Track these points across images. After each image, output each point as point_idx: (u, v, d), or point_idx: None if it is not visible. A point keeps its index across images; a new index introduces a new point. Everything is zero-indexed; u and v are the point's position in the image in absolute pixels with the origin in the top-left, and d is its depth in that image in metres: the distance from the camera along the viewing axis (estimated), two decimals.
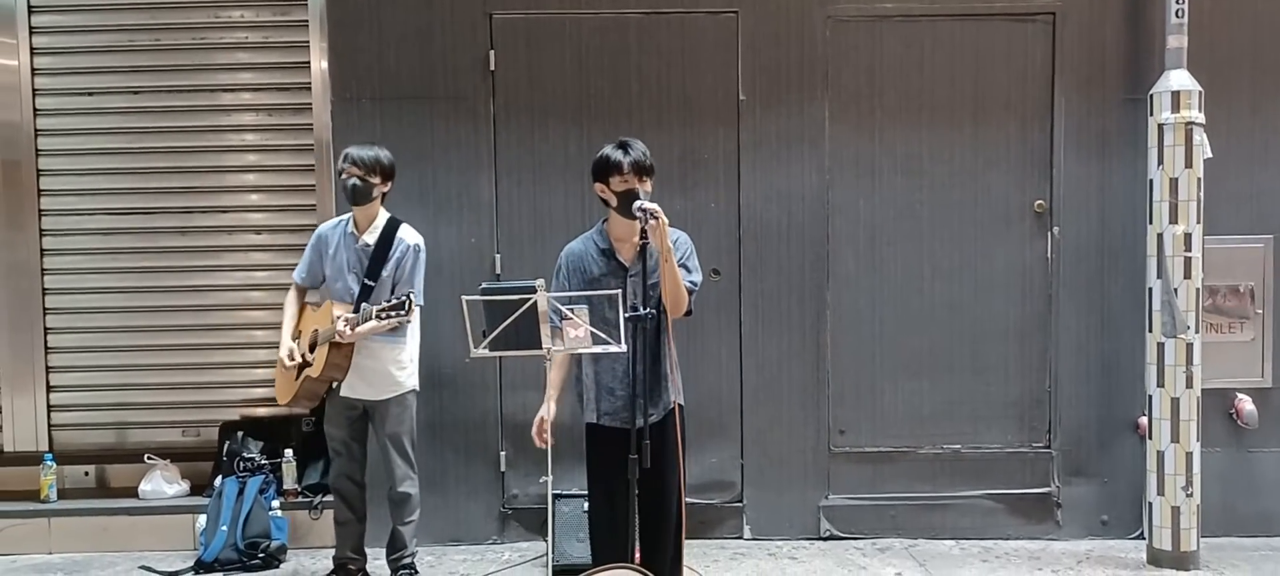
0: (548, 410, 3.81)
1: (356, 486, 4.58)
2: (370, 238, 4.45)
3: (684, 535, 3.91)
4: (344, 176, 4.41)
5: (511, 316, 3.62)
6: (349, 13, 5.23)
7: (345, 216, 4.55)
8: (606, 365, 3.79)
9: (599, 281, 3.78)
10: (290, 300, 4.64)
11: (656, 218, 3.48)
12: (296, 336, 4.55)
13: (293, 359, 4.45)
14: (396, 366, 4.48)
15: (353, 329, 4.23)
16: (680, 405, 3.81)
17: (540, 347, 3.65)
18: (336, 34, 5.26)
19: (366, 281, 4.41)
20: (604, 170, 3.71)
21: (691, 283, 3.70)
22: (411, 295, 4.24)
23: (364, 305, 4.31)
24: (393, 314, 4.17)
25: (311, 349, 4.43)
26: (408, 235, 4.48)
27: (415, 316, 4.39)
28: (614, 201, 3.69)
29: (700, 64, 5.24)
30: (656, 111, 5.22)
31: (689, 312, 3.76)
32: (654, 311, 3.59)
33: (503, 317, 3.64)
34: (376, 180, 4.42)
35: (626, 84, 5.24)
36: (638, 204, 3.52)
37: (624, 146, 3.72)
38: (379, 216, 4.50)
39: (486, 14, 5.21)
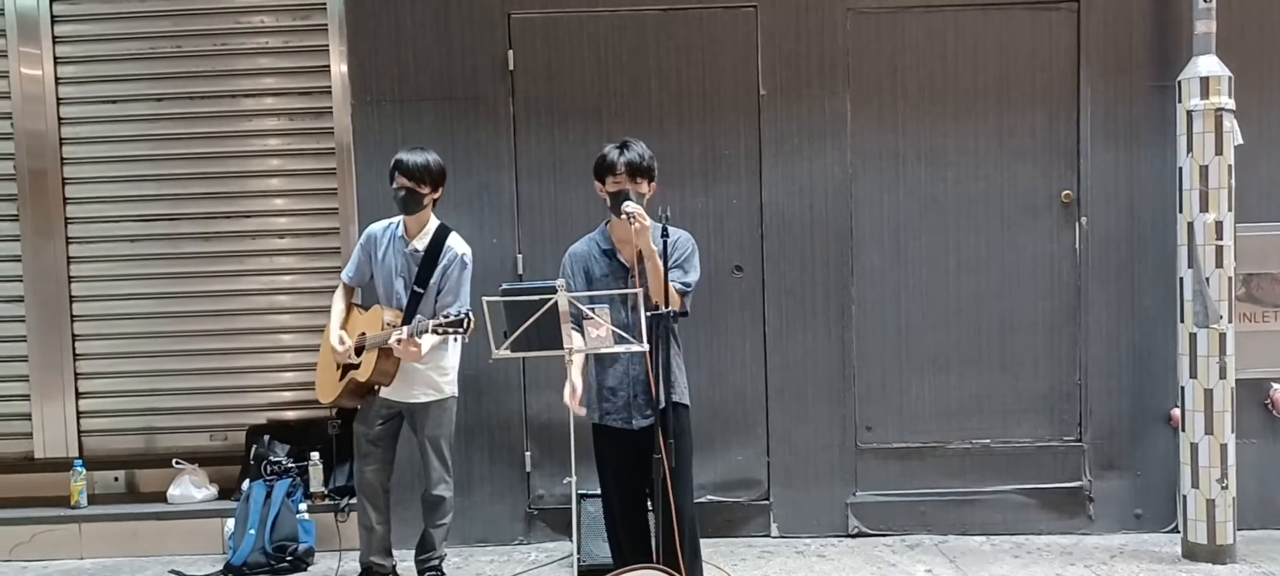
0: (575, 377, 3.73)
1: (380, 489, 4.56)
2: (420, 244, 4.43)
3: (698, 532, 3.92)
4: (393, 184, 4.38)
5: (532, 317, 3.63)
6: (368, 16, 5.24)
7: (396, 219, 4.51)
8: (608, 366, 3.81)
9: (601, 282, 3.80)
10: (338, 297, 4.61)
11: (635, 220, 3.50)
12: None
13: (343, 343, 4.42)
14: (439, 372, 4.47)
15: (412, 342, 4.10)
16: (684, 405, 3.81)
17: (561, 348, 3.66)
18: (356, 37, 5.27)
19: (416, 288, 4.39)
20: (599, 170, 3.80)
21: (683, 284, 3.73)
22: (469, 313, 4.11)
23: (418, 316, 4.26)
24: (451, 330, 4.05)
25: (358, 352, 4.41)
26: (456, 244, 4.45)
27: None
28: (608, 201, 3.73)
29: (720, 59, 5.21)
30: (676, 108, 5.20)
31: (684, 313, 3.78)
32: (673, 311, 3.59)
33: (524, 318, 3.64)
34: (426, 189, 4.37)
35: (646, 81, 5.22)
36: (624, 205, 3.56)
37: (622, 147, 3.77)
38: (429, 223, 4.47)
39: (505, 14, 5.21)
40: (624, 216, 3.56)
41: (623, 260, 3.75)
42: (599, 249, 3.83)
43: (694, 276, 3.80)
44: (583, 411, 3.85)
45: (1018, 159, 5.21)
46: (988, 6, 5.18)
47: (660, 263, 3.59)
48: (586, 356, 3.87)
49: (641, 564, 3.61)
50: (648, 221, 3.54)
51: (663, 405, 3.62)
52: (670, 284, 3.66)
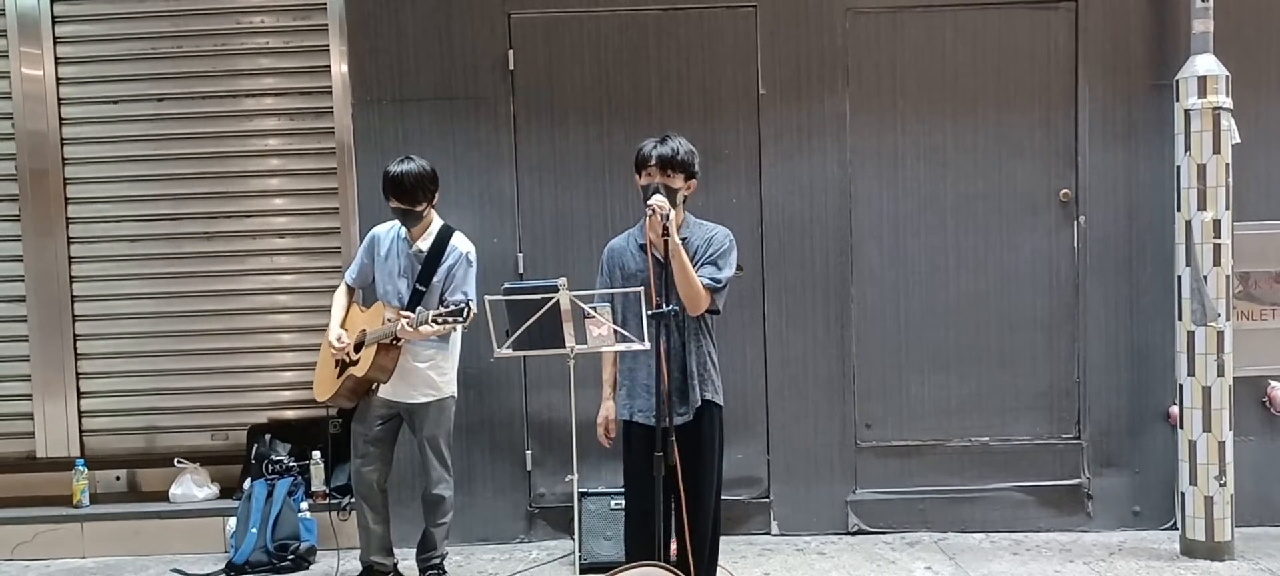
0: (608, 408, 3.86)
1: (377, 489, 4.56)
2: (423, 244, 4.45)
3: (720, 533, 3.93)
4: (389, 204, 4.39)
5: (534, 316, 3.64)
6: (368, 15, 5.25)
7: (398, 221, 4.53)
8: (641, 362, 3.78)
9: (635, 277, 3.77)
10: (339, 296, 4.63)
11: (655, 213, 3.48)
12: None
13: (340, 342, 4.44)
14: (437, 372, 4.49)
15: (415, 327, 4.16)
16: (718, 404, 3.80)
17: (563, 347, 3.67)
18: (356, 37, 5.28)
19: (418, 287, 4.41)
20: (635, 163, 3.75)
21: (712, 280, 3.68)
22: (471, 302, 4.18)
23: (419, 308, 4.28)
24: (451, 319, 4.10)
25: (357, 348, 4.42)
26: (461, 243, 4.48)
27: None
28: (641, 194, 3.70)
29: (720, 59, 5.22)
30: (676, 107, 5.21)
31: (714, 310, 3.75)
32: (676, 308, 3.58)
33: (525, 317, 3.66)
34: (422, 204, 4.39)
35: (646, 80, 5.23)
36: (649, 199, 3.54)
37: (661, 140, 3.72)
38: (433, 224, 4.50)
39: (505, 14, 5.22)
40: (647, 210, 3.55)
41: (658, 255, 3.72)
42: (636, 243, 3.81)
43: (727, 273, 3.73)
44: (609, 443, 3.87)
45: (1016, 158, 5.23)
46: (986, 6, 5.20)
47: (685, 259, 3.58)
48: (620, 357, 3.85)
49: (644, 561, 3.60)
50: (667, 216, 3.50)
51: (700, 403, 3.72)
52: (700, 280, 3.63)
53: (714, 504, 3.82)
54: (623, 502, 4.06)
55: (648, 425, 3.73)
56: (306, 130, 5.52)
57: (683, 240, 3.62)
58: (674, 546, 3.73)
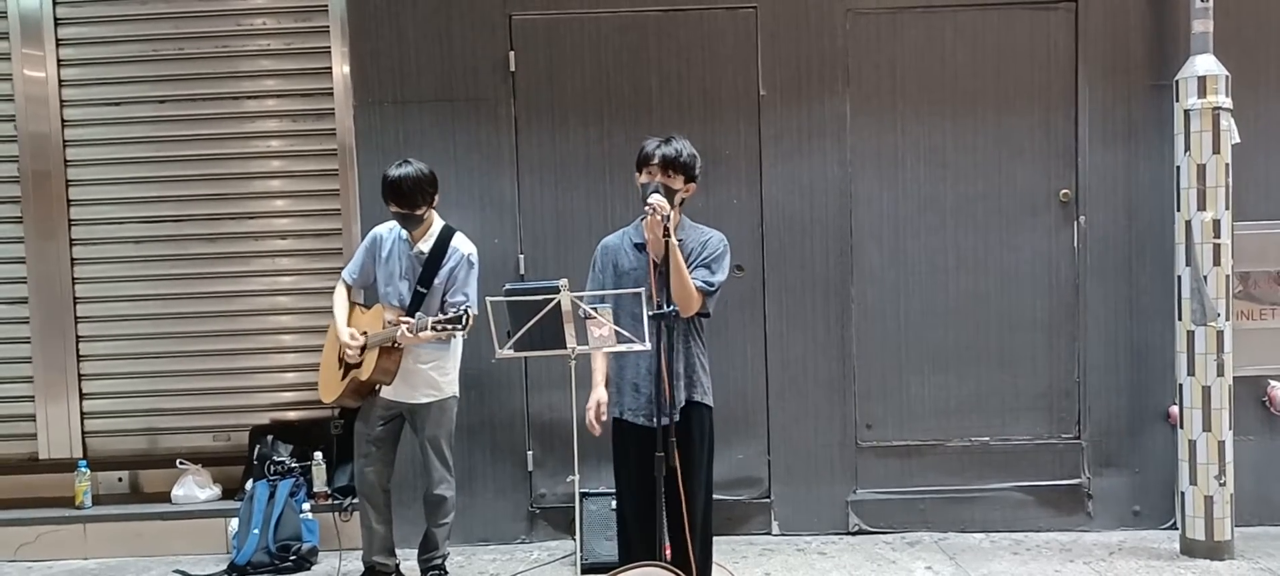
0: (600, 393, 3.84)
1: (380, 489, 4.57)
2: (424, 245, 4.46)
3: (712, 532, 3.92)
4: (390, 208, 4.39)
5: (535, 317, 3.65)
6: (369, 17, 5.26)
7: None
8: (631, 361, 3.80)
9: (629, 275, 3.79)
10: (340, 296, 4.61)
11: (654, 213, 3.50)
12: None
13: (355, 341, 4.42)
14: (440, 372, 4.49)
15: (414, 334, 4.17)
16: (707, 405, 3.81)
17: (564, 348, 3.68)
18: (357, 38, 5.29)
19: (419, 288, 4.41)
20: (637, 161, 3.76)
21: (705, 283, 3.70)
22: (469, 310, 4.17)
23: (419, 314, 4.28)
24: (450, 326, 4.10)
25: (361, 351, 4.45)
26: (462, 244, 4.48)
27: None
28: (640, 192, 3.71)
29: (720, 60, 5.23)
30: (677, 108, 5.22)
31: (705, 313, 3.76)
32: (675, 308, 3.59)
33: (527, 318, 3.67)
34: (422, 208, 4.40)
35: (646, 82, 5.24)
36: (649, 197, 3.55)
37: (665, 140, 3.74)
38: (434, 225, 4.50)
39: (506, 15, 5.23)
40: (645, 208, 3.56)
41: (653, 255, 3.73)
42: (631, 242, 3.82)
43: (720, 277, 3.75)
44: (598, 430, 3.84)
45: (1016, 158, 5.24)
46: (986, 6, 5.21)
47: (680, 259, 3.59)
48: (611, 356, 3.86)
49: (644, 561, 3.62)
50: (666, 216, 3.52)
51: (683, 403, 3.70)
52: (693, 282, 3.64)
53: (704, 503, 3.82)
54: None
55: (635, 423, 3.77)
56: (308, 132, 5.54)
57: (678, 242, 3.63)
58: (667, 549, 3.73)
